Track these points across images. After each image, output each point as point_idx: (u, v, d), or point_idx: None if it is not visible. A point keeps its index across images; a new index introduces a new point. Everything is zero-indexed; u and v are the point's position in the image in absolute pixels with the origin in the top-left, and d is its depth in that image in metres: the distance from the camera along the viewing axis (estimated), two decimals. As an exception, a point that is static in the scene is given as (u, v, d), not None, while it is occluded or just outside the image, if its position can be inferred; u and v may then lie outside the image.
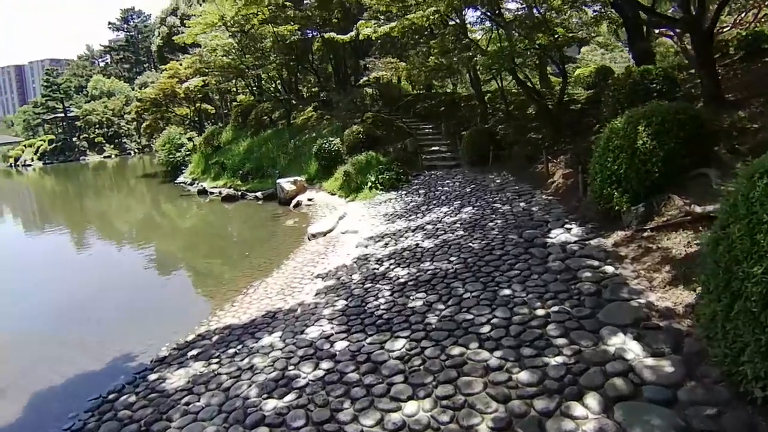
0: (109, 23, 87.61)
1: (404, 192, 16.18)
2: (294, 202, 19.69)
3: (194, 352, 7.88)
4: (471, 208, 12.47)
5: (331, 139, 20.55)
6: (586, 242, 8.80)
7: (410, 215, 13.36)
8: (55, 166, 65.20)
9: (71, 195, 37.84)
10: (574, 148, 14.87)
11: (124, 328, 9.79)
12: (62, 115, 72.37)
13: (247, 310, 9.29)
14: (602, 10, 16.41)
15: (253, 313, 8.97)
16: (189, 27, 29.28)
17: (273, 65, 25.99)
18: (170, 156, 33.15)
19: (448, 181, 16.07)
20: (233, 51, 26.15)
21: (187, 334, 8.79)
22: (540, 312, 6.48)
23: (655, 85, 12.18)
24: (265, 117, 29.90)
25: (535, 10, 15.65)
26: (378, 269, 9.44)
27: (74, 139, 70.76)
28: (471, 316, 6.64)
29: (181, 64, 36.02)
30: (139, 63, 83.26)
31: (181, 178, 31.55)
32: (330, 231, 14.09)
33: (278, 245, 14.42)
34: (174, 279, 13.55)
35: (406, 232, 11.74)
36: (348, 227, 14.00)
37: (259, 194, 22.43)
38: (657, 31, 24.07)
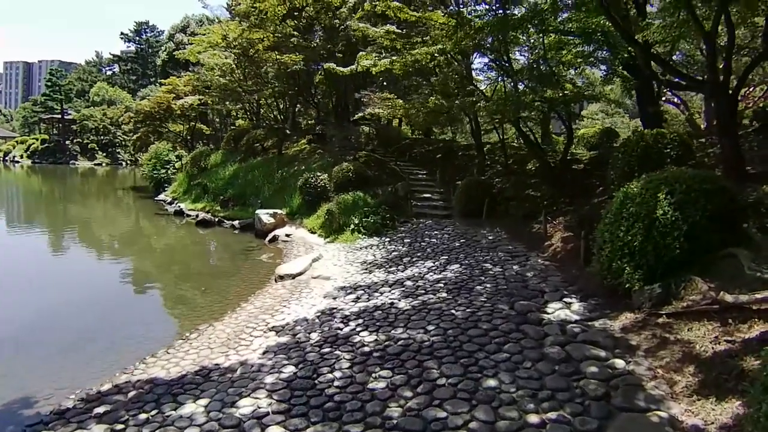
0: (122, 34, 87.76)
1: (388, 239, 14.86)
2: (270, 235, 18.29)
3: (101, 409, 6.36)
4: (458, 265, 11.13)
5: (318, 174, 19.35)
6: (590, 323, 7.45)
7: (390, 266, 12.00)
8: (44, 166, 64.21)
9: (44, 196, 36.25)
10: (575, 210, 13.75)
11: (42, 358, 8.40)
12: (59, 116, 71.53)
13: (181, 360, 7.77)
14: (614, 69, 15.59)
15: (186, 367, 7.45)
16: (192, 44, 28.54)
17: (270, 92, 25.04)
18: (154, 171, 31.83)
19: (436, 232, 14.79)
20: (231, 72, 25.25)
21: (104, 382, 7.30)
22: (533, 419, 5.04)
23: (669, 150, 11.20)
24: (258, 144, 28.81)
25: (543, 64, 14.75)
26: (342, 330, 7.99)
27: (67, 142, 69.68)
28: (444, 414, 5.18)
29: (180, 80, 35.22)
30: (145, 76, 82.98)
31: (162, 196, 30.16)
32: (300, 274, 12.66)
33: (240, 283, 12.95)
34: (116, 305, 11.89)
35: (383, 286, 10.35)
36: (321, 272, 12.59)
37: (236, 223, 21.03)
38: (663, 98, 23.56)
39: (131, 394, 6.77)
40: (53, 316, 10.67)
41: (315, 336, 7.87)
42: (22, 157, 69.09)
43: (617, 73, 15.67)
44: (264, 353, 7.50)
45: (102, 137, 67.19)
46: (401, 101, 16.76)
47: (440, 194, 19.65)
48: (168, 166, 32.44)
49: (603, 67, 16.69)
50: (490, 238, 13.72)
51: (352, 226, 16.05)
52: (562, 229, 12.76)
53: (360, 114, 21.41)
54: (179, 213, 24.62)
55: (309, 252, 15.50)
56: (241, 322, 9.32)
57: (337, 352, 7.08)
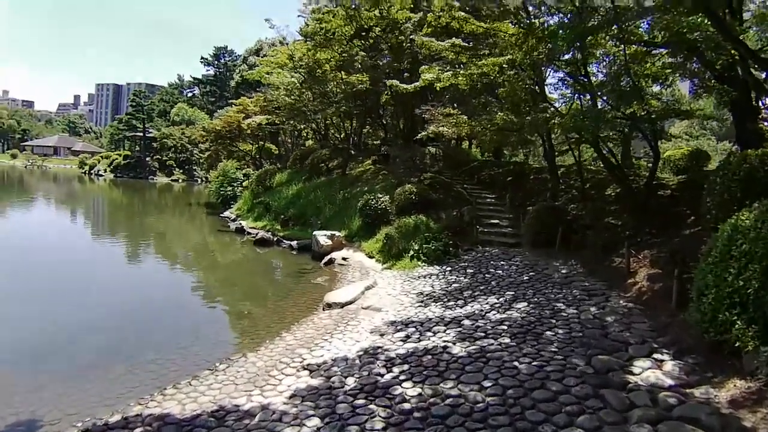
0: (202, 58, 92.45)
1: (449, 268, 13.66)
2: (326, 258, 17.57)
3: (101, 448, 5.66)
4: (525, 304, 9.79)
5: (379, 195, 18.52)
6: (688, 391, 5.96)
7: (449, 300, 10.82)
8: (124, 180, 68.01)
9: (120, 208, 37.93)
10: (663, 243, 12.01)
11: (72, 375, 8.11)
12: (141, 134, 75.85)
13: (201, 396, 7.00)
14: (706, 82, 13.70)
15: (204, 404, 6.65)
16: (261, 65, 28.95)
17: (334, 111, 24.68)
18: (221, 189, 32.37)
19: (503, 263, 13.43)
20: (297, 92, 25.17)
21: (115, 411, 6.71)
22: None
23: (779, 174, 9.39)
24: (323, 164, 28.55)
25: (625, 76, 13.14)
26: (382, 377, 6.91)
27: (147, 158, 73.63)
28: None
29: (250, 100, 35.98)
30: (222, 98, 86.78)
31: (227, 212, 30.50)
32: (350, 303, 11.73)
33: (287, 308, 12.20)
34: (156, 323, 11.45)
35: (438, 323, 9.19)
36: (372, 301, 11.60)
37: (294, 243, 20.53)
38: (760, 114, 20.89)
39: (137, 431, 6.03)
40: (92, 328, 10.40)
41: (351, 381, 6.84)
42: (105, 171, 73.71)
43: (710, 87, 13.76)
44: (290, 397, 6.56)
45: (180, 155, 70.40)
46: (465, 117, 15.50)
47: (509, 220, 18.23)
48: (235, 184, 32.89)
49: (692, 81, 14.83)
50: (564, 271, 12.21)
51: (411, 252, 14.99)
52: (648, 265, 11.08)
53: (424, 133, 20.42)
54: (240, 230, 24.59)
55: (364, 277, 14.58)
56: (275, 355, 8.46)
57: (372, 405, 6.01)
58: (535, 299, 10.05)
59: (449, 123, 16.24)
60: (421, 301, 11.07)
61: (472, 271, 12.96)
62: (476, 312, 9.65)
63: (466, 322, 9.07)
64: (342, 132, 30.52)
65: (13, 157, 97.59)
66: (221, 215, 30.64)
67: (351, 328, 9.72)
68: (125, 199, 47.43)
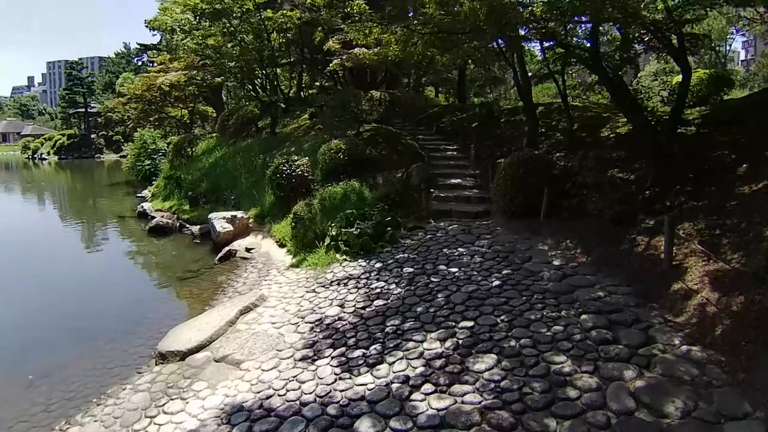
0: (146, 22, 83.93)
1: (380, 264, 8.77)
2: (225, 250, 12.60)
3: None
4: (494, 360, 5.06)
5: (294, 158, 13.35)
6: None
7: (356, 344, 6.03)
8: (69, 161, 61.81)
9: (29, 192, 32.15)
10: (713, 207, 7.35)
11: None
12: (83, 110, 68.87)
13: None
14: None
15: None
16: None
17: (251, 57, 19.17)
18: (138, 163, 26.87)
19: (462, 250, 8.60)
20: (196, 33, 19.52)
21: None
22: None
23: None
24: (251, 124, 23.09)
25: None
26: None
27: (93, 136, 67.00)
28: None
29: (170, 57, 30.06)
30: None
31: (145, 191, 25.07)
32: (197, 349, 6.90)
33: (102, 364, 7.28)
34: None
35: (315, 421, 4.37)
36: (235, 345, 6.79)
37: (196, 229, 15.49)
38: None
39: None
40: None
41: None
42: (49, 153, 66.84)
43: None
44: None
45: (127, 128, 63.70)
46: (377, 23, 10.04)
47: (474, 179, 13.40)
48: (155, 156, 27.30)
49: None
50: (557, 263, 7.46)
51: (328, 240, 10.08)
52: (701, 252, 6.36)
53: (336, 61, 15.16)
54: (142, 215, 19.33)
55: (258, 284, 9.74)
56: None
57: None
58: (512, 344, 5.27)
59: (360, 33, 10.80)
60: (311, 344, 6.25)
61: (411, 270, 8.07)
62: (396, 386, 4.85)
63: (365, 426, 4.25)
64: (276, 84, 24.90)
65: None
66: (138, 194, 25.24)
67: (173, 413, 4.93)
68: (44, 183, 41.35)
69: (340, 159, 13.27)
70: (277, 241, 12.33)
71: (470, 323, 5.85)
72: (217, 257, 12.56)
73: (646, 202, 8.54)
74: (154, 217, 18.55)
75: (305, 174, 13.14)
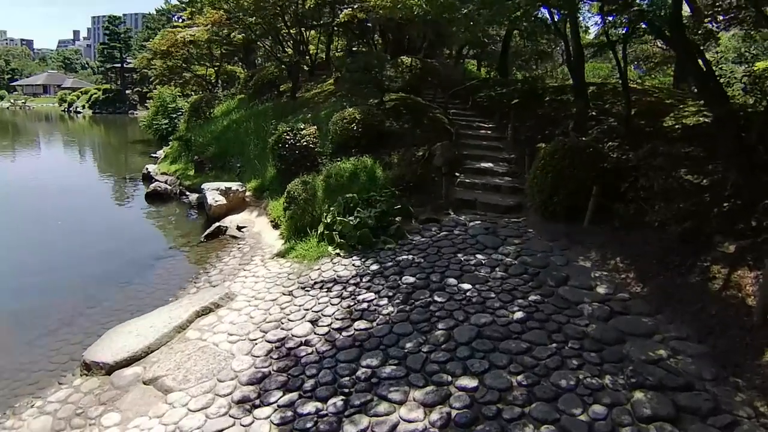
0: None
1: (377, 266, 7.05)
2: (214, 226, 11.08)
3: None
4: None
5: (300, 126, 11.61)
6: None
7: (311, 396, 4.34)
8: (103, 116, 61.95)
9: (51, 144, 31.42)
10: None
11: None
12: (119, 65, 68.76)
13: None
14: None
15: None
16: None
17: (266, 9, 17.33)
18: (154, 121, 25.63)
19: (480, 259, 6.80)
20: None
21: None
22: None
23: None
24: (273, 87, 21.41)
25: None
26: None
27: (128, 91, 66.81)
28: None
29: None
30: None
31: (160, 152, 23.87)
32: (128, 362, 5.47)
33: (17, 375, 5.87)
34: None
35: None
36: (172, 363, 5.32)
37: (194, 197, 14.07)
38: None
39: None
40: None
41: None
42: (84, 107, 66.92)
43: None
44: None
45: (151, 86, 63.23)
46: None
47: (508, 165, 11.47)
48: (174, 116, 26.02)
49: None
50: (602, 292, 5.58)
51: (321, 228, 8.40)
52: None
53: (347, 11, 13.18)
54: (147, 177, 18.01)
55: (242, 269, 8.24)
56: None
57: None
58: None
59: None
60: (260, 379, 4.65)
61: (412, 280, 6.32)
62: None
63: None
64: (306, 46, 23.04)
65: (1, 98, 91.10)
66: (153, 155, 24.06)
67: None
68: (66, 136, 40.92)
69: (353, 131, 11.48)
70: (271, 221, 10.76)
71: (473, 382, 4.11)
72: (206, 233, 11.05)
73: (724, 217, 6.53)
74: (159, 180, 17.30)
75: (311, 146, 11.41)
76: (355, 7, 13.42)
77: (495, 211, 9.18)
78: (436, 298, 5.72)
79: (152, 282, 8.95)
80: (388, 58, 15.08)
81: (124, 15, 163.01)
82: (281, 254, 8.60)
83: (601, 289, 5.71)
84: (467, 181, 10.53)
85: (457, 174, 10.93)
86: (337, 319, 5.65)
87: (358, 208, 8.24)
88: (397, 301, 5.81)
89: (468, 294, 5.74)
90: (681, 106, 11.28)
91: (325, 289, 6.62)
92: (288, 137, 11.37)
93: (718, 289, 5.33)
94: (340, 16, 14.49)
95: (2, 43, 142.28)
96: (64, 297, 8.20)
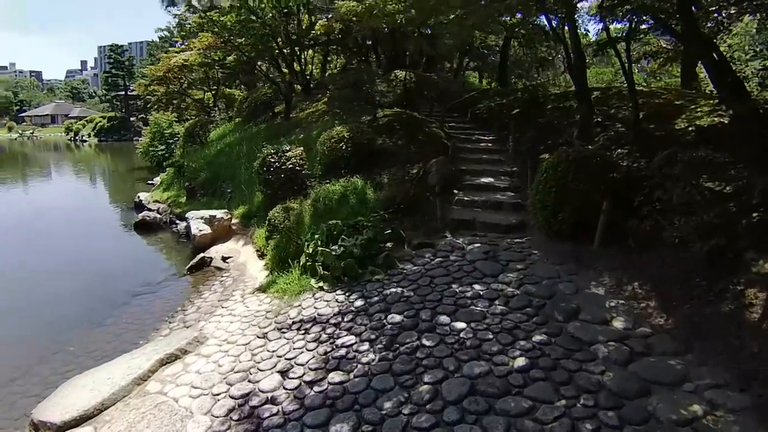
0: (189, 5, 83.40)
1: (362, 302, 6.27)
2: (198, 257, 10.38)
3: None
4: None
5: (285, 148, 10.92)
6: None
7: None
8: (108, 144, 62.25)
9: (46, 172, 31.15)
10: None
11: None
12: (123, 93, 69.32)
13: None
14: None
15: None
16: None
17: (263, 31, 16.86)
18: (151, 148, 25.20)
19: (478, 290, 5.99)
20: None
21: None
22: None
23: None
24: (267, 108, 20.90)
25: None
26: None
27: (132, 118, 67.16)
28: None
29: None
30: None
31: (157, 178, 23.35)
32: (72, 425, 4.77)
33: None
34: None
35: None
36: (125, 426, 4.48)
37: (183, 226, 13.41)
38: None
39: None
40: None
41: None
42: (89, 135, 67.27)
43: None
44: None
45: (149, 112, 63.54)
46: None
47: (510, 179, 10.72)
48: (171, 141, 25.59)
49: None
50: (620, 327, 4.79)
51: (304, 260, 7.64)
52: None
53: (322, 21, 12.56)
54: (139, 206, 17.42)
55: (221, 305, 7.51)
56: None
57: None
58: None
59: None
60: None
61: (398, 319, 5.53)
62: None
63: None
64: (301, 65, 22.55)
65: (9, 129, 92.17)
66: (150, 182, 23.55)
67: None
68: (66, 165, 40.81)
69: (341, 150, 10.77)
70: (257, 250, 10.02)
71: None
72: (189, 264, 10.38)
73: (755, 229, 5.69)
74: (151, 209, 16.73)
75: (297, 168, 10.71)
76: (329, 17, 12.82)
77: (496, 231, 8.39)
78: (425, 342, 4.92)
79: (124, 322, 8.22)
80: (380, 72, 14.42)
81: (129, 43, 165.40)
82: (263, 288, 7.85)
83: (618, 323, 4.88)
84: (466, 198, 9.77)
85: (455, 192, 10.21)
86: (310, 369, 4.87)
87: (343, 236, 7.48)
88: (380, 345, 5.02)
89: (462, 335, 4.93)
90: (692, 106, 10.49)
91: (303, 331, 5.86)
92: (273, 160, 10.69)
93: (758, 318, 4.49)
94: (316, 27, 13.87)
95: (12, 75, 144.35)
96: (25, 341, 7.52)
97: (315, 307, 6.43)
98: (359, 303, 6.21)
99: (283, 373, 4.92)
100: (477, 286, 6.01)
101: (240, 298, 7.81)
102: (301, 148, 11.18)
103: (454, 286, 6.13)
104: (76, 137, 70.07)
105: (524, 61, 22.79)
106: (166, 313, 8.33)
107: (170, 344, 6.15)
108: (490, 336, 4.86)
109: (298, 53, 23.41)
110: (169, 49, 38.53)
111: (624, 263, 5.99)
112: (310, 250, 7.47)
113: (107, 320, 8.32)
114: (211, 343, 6.20)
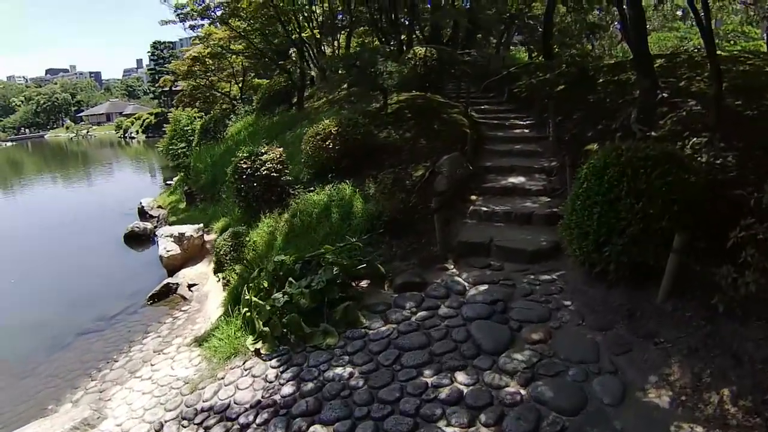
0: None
1: (289, 391, 4.17)
2: (162, 283, 8.63)
3: None
4: None
5: (261, 151, 8.86)
6: None
7: None
8: (155, 140, 63.30)
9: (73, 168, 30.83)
10: None
11: None
12: (168, 89, 70.04)
13: None
14: None
15: None
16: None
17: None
18: (170, 146, 23.93)
19: (460, 384, 3.82)
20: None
21: None
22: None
23: None
24: (282, 98, 19.03)
25: None
26: None
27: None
28: None
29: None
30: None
31: (176, 178, 22.03)
32: None
33: None
34: None
35: None
36: None
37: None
38: None
39: None
40: None
41: None
42: (137, 132, 68.37)
43: None
44: None
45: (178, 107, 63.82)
46: None
47: (547, 177, 8.36)
48: (193, 137, 24.21)
49: None
50: None
51: (243, 309, 5.60)
52: None
53: None
54: (142, 213, 15.98)
55: (153, 358, 5.78)
56: None
57: None
58: None
59: None
60: None
61: (324, 439, 3.42)
62: None
63: None
64: (318, 50, 20.53)
65: (67, 129, 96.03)
66: (168, 182, 22.28)
67: None
68: (97, 163, 41.00)
69: (328, 149, 8.65)
70: (224, 277, 8.12)
71: None
72: (152, 292, 8.64)
73: None
74: (154, 216, 15.37)
75: (274, 174, 8.65)
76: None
77: (517, 261, 6.06)
78: None
79: (49, 375, 6.63)
80: (390, 50, 12.08)
81: (180, 39, 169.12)
82: (200, 340, 5.90)
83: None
84: (484, 209, 7.46)
85: (473, 197, 7.93)
86: None
87: (291, 278, 5.37)
88: None
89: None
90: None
91: (203, 429, 3.86)
92: (245, 166, 8.69)
93: None
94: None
95: (71, 77, 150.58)
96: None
97: (236, 387, 4.43)
98: (288, 390, 4.14)
99: None
100: (461, 378, 3.79)
101: (174, 351, 5.95)
102: (280, 149, 9.13)
103: (427, 372, 3.92)
104: (126, 134, 71.52)
105: (571, 30, 19.64)
106: (97, 363, 6.61)
107: (53, 427, 4.34)
108: None
109: (318, 36, 21.38)
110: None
111: (707, 339, 3.58)
112: (248, 297, 5.43)
113: (39, 368, 6.87)
114: (104, 428, 4.33)
